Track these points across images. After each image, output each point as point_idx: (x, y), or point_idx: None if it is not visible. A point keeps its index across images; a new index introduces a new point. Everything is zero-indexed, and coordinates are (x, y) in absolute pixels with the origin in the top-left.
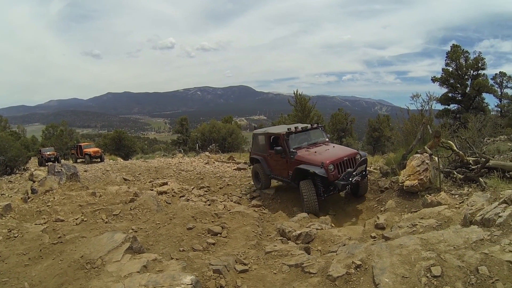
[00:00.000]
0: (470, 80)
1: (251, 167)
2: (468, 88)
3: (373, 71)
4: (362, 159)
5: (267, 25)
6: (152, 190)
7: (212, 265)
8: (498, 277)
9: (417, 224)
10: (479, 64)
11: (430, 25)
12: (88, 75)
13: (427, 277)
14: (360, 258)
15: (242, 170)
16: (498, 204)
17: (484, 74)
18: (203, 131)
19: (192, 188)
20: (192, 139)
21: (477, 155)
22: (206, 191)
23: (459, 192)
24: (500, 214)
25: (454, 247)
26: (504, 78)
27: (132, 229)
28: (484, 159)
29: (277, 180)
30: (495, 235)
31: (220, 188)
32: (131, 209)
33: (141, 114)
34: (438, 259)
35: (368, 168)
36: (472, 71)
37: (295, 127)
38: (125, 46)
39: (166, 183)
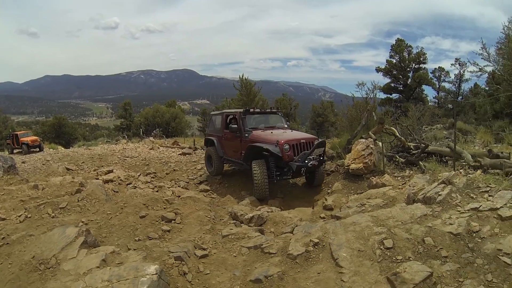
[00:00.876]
0: (411, 72)
1: (205, 150)
2: (410, 80)
3: (318, 58)
4: (319, 141)
5: (215, 8)
6: (97, 179)
7: (172, 252)
8: (441, 246)
9: (365, 204)
10: (421, 59)
11: (377, 18)
12: (23, 56)
13: (381, 249)
14: (317, 236)
15: (187, 155)
16: (437, 184)
17: (425, 68)
18: (147, 116)
19: (139, 175)
20: (136, 124)
21: (417, 141)
22: (153, 178)
23: (401, 174)
24: (439, 193)
25: (402, 222)
26: (442, 73)
27: (82, 222)
28: (424, 145)
29: (230, 162)
30: (436, 211)
31: (166, 173)
32: (78, 201)
33: (82, 99)
34: (389, 233)
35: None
36: (414, 64)
37: (253, 108)
38: (65, 25)
39: (111, 171)
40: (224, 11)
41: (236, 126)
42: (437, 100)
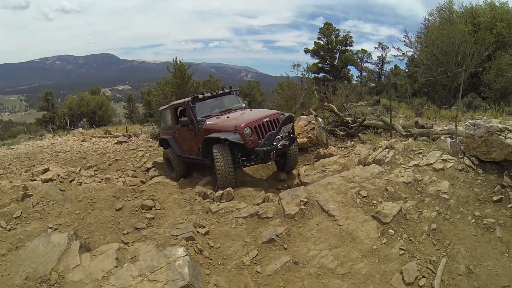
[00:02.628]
0: (338, 53)
1: (163, 151)
2: (336, 60)
3: (241, 39)
4: (286, 116)
5: None
6: (34, 180)
7: (176, 235)
8: (400, 191)
9: (326, 170)
10: (348, 41)
11: (301, 0)
12: None
13: (359, 198)
14: (304, 197)
15: (124, 144)
16: (382, 150)
17: (351, 50)
18: (71, 106)
19: (79, 170)
20: (60, 115)
21: (353, 116)
22: (95, 170)
23: (344, 145)
24: (386, 156)
25: (366, 178)
26: (365, 55)
27: (50, 228)
28: (361, 119)
29: (191, 161)
30: (387, 169)
31: (109, 165)
32: (33, 206)
33: None
34: (360, 186)
35: None
36: (341, 46)
37: (203, 93)
38: None
39: (47, 170)
40: None
41: (186, 118)
42: (360, 79)
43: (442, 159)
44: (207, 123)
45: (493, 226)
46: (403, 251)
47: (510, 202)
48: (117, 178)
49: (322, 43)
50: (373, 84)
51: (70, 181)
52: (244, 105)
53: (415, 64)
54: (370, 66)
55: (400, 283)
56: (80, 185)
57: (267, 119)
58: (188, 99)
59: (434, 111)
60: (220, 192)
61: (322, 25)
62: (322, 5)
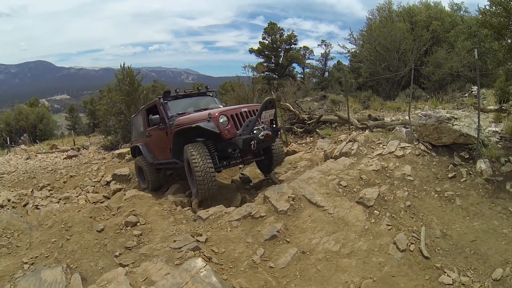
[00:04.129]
0: (283, 52)
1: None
2: (282, 59)
3: (181, 41)
4: (266, 99)
5: None
6: None
7: (177, 248)
8: (372, 178)
9: (297, 166)
10: (292, 40)
11: (241, 0)
12: None
13: (341, 188)
14: (291, 193)
15: (74, 158)
16: (346, 143)
17: (295, 48)
18: (8, 121)
19: (31, 191)
20: None
21: (308, 113)
22: (50, 190)
23: (304, 141)
24: (352, 148)
25: (341, 170)
26: (307, 52)
27: (25, 263)
28: (317, 116)
29: (164, 167)
30: (355, 160)
31: (64, 182)
32: None
33: None
34: (338, 178)
35: None
36: (285, 45)
37: (176, 90)
38: None
39: None
40: None
41: (157, 116)
42: (302, 76)
43: (401, 147)
44: (179, 118)
45: (453, 197)
46: (390, 227)
47: (462, 177)
48: (76, 196)
49: (267, 42)
50: (315, 80)
51: (24, 205)
52: (222, 107)
53: (359, 59)
54: (314, 62)
55: (396, 251)
56: (37, 208)
57: (246, 109)
58: (160, 95)
59: (380, 104)
60: (196, 200)
61: (266, 25)
62: (262, 4)
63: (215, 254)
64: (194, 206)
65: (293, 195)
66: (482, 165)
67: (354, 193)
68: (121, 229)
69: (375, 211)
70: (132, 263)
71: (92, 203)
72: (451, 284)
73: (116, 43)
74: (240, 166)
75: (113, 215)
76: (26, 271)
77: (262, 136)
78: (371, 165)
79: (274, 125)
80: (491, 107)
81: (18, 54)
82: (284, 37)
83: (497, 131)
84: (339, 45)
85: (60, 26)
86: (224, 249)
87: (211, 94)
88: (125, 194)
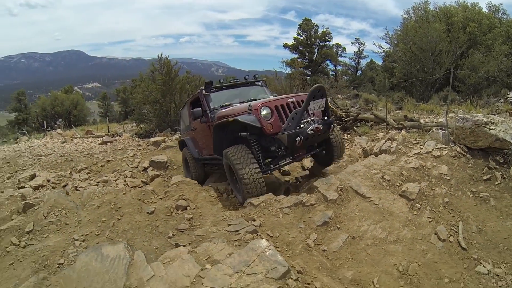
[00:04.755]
0: (317, 49)
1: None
2: (315, 55)
3: (211, 34)
4: (314, 86)
5: None
6: (22, 187)
7: (234, 231)
8: (412, 174)
9: (338, 161)
10: (326, 37)
11: None
12: None
13: (385, 181)
14: (339, 184)
15: (109, 143)
16: (385, 141)
17: (329, 45)
18: (44, 106)
19: (70, 173)
20: (33, 116)
21: (345, 110)
22: (88, 173)
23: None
24: (391, 146)
25: (383, 166)
26: (339, 49)
27: (76, 240)
28: (355, 113)
29: (208, 164)
30: (395, 157)
31: (101, 166)
32: (45, 217)
33: None
34: (382, 172)
35: None
36: (319, 42)
37: (220, 80)
38: None
39: (34, 175)
40: None
41: (199, 109)
42: (335, 73)
43: (437, 148)
44: (221, 110)
45: (487, 198)
46: (430, 219)
47: (496, 180)
48: (115, 180)
49: (301, 38)
50: (347, 78)
51: (63, 186)
52: (273, 97)
53: (393, 59)
54: (347, 60)
55: (437, 240)
56: (77, 190)
57: (294, 99)
58: (202, 87)
59: (414, 105)
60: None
61: (300, 21)
62: None
63: (270, 238)
64: (236, 193)
65: (341, 186)
66: None
67: (397, 187)
68: (172, 212)
69: (417, 204)
70: (189, 243)
71: (131, 187)
72: (486, 274)
73: (147, 35)
74: None
75: (161, 198)
76: (78, 247)
77: (311, 130)
78: (410, 162)
79: (326, 117)
80: None
81: (52, 43)
82: (318, 33)
83: None
84: (374, 44)
85: (93, 17)
86: (278, 234)
87: (260, 84)
88: (165, 180)
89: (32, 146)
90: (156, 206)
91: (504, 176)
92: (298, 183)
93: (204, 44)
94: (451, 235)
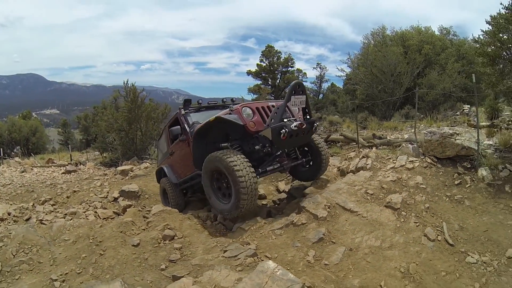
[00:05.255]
0: (280, 74)
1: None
2: (278, 81)
3: (172, 61)
4: (294, 82)
5: (69, 3)
6: None
7: (234, 256)
8: (391, 187)
9: (317, 181)
10: (289, 63)
11: (233, 22)
12: None
13: (368, 196)
14: (326, 202)
15: (73, 173)
16: (360, 159)
17: (292, 70)
18: (0, 132)
19: (33, 205)
20: None
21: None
22: (53, 205)
23: None
24: (366, 163)
25: (363, 181)
26: (300, 74)
27: (54, 280)
28: (327, 135)
29: (188, 186)
30: (372, 173)
31: (67, 197)
32: (14, 256)
33: None
34: (364, 187)
35: None
36: (282, 68)
37: (198, 101)
38: None
39: None
40: (79, 6)
41: (178, 127)
42: None
43: (409, 161)
44: (200, 124)
45: (462, 199)
46: (417, 223)
47: (467, 183)
48: (84, 212)
49: (264, 64)
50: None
51: (26, 220)
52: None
53: (354, 82)
54: (309, 85)
55: (427, 241)
56: (42, 223)
57: (274, 103)
58: (181, 106)
59: (377, 123)
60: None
61: (264, 48)
62: (254, 26)
63: (269, 259)
64: (219, 220)
65: (328, 204)
66: (483, 172)
67: (381, 199)
68: (159, 243)
69: (402, 212)
70: (187, 273)
71: (103, 219)
72: (475, 263)
73: (109, 61)
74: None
75: (143, 229)
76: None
77: (295, 126)
78: (388, 176)
79: (308, 116)
80: (484, 123)
81: (10, 65)
82: (281, 60)
83: (491, 144)
84: (337, 68)
85: (54, 40)
86: (276, 254)
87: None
88: (139, 210)
89: None
90: (141, 238)
91: (473, 179)
92: (277, 205)
93: (165, 72)
94: (438, 235)
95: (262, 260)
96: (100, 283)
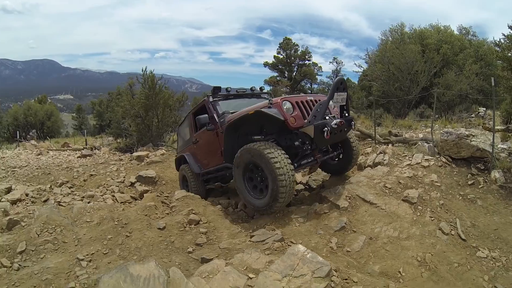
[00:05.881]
0: (296, 67)
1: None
2: (295, 74)
3: (187, 50)
4: (337, 79)
5: None
6: None
7: (261, 240)
8: (408, 182)
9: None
10: (306, 56)
11: (250, 12)
12: None
13: (387, 189)
14: (347, 193)
15: (89, 157)
16: (377, 154)
17: (309, 64)
18: (16, 115)
19: (50, 187)
20: (4, 126)
21: None
22: (70, 188)
23: None
24: (384, 159)
25: (382, 176)
26: (316, 68)
27: (81, 260)
28: None
29: (212, 178)
30: (389, 168)
31: (84, 180)
32: (38, 235)
33: None
34: (382, 181)
35: None
36: (299, 61)
37: (226, 89)
38: None
39: (10, 188)
40: None
41: (206, 115)
42: (310, 91)
43: (425, 159)
44: (232, 114)
45: (474, 199)
46: (432, 218)
47: (480, 184)
48: (101, 195)
49: (281, 57)
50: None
51: (44, 201)
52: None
53: (370, 78)
54: (325, 79)
55: (442, 234)
56: (60, 205)
57: (312, 98)
58: (208, 93)
59: (392, 121)
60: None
61: (281, 40)
62: (270, 18)
63: (293, 244)
64: (240, 207)
65: (349, 195)
66: (496, 174)
67: (398, 193)
68: (185, 227)
69: (419, 207)
70: (216, 256)
71: (121, 202)
72: (485, 258)
73: (123, 48)
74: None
75: (167, 214)
76: (87, 268)
77: (335, 124)
78: (404, 173)
79: (346, 114)
80: (499, 127)
81: (26, 51)
82: (298, 52)
83: (505, 148)
84: (355, 63)
85: (69, 27)
86: (301, 241)
87: (266, 97)
88: (158, 196)
89: (4, 157)
90: (166, 222)
91: (486, 180)
92: (295, 195)
93: (179, 60)
94: (452, 230)
95: (289, 245)
96: (134, 263)
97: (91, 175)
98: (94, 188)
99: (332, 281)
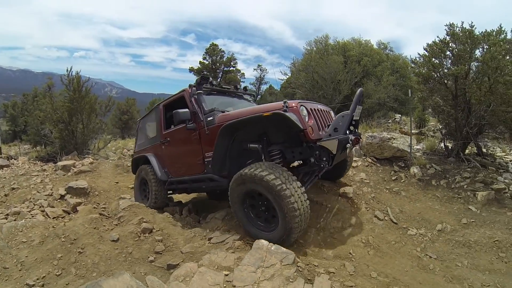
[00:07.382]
0: (221, 73)
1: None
2: (219, 80)
3: (109, 51)
4: (360, 90)
5: None
6: None
7: (221, 241)
8: (339, 181)
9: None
10: (232, 63)
11: (175, 15)
12: None
13: (325, 187)
14: None
15: (6, 168)
16: None
17: (233, 70)
18: None
19: None
20: None
21: None
22: None
23: None
24: None
25: None
26: (239, 74)
27: (29, 285)
28: None
29: (182, 188)
30: None
31: (5, 195)
32: None
33: None
34: (319, 181)
35: None
36: (224, 67)
37: (211, 81)
38: None
39: None
40: None
41: (187, 110)
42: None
43: (353, 160)
44: (227, 113)
45: (399, 191)
46: (368, 208)
47: (402, 179)
48: (29, 211)
49: (207, 62)
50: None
51: None
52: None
53: (294, 86)
54: (248, 86)
55: (378, 220)
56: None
57: (321, 107)
58: (192, 83)
59: None
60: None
61: (208, 46)
62: (195, 22)
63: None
64: (186, 214)
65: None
66: (415, 170)
67: (335, 190)
68: (139, 237)
69: (355, 200)
70: (181, 261)
71: (53, 218)
72: (415, 235)
73: (39, 43)
74: None
75: (116, 225)
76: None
77: (351, 140)
78: None
79: (356, 129)
80: (414, 131)
81: None
82: (224, 59)
83: (420, 148)
84: (281, 71)
85: None
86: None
87: (249, 98)
88: (95, 208)
89: None
90: (119, 233)
91: (406, 175)
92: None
93: (100, 62)
94: (385, 216)
95: (249, 243)
96: (106, 279)
97: (13, 188)
98: (19, 204)
99: (298, 266)
